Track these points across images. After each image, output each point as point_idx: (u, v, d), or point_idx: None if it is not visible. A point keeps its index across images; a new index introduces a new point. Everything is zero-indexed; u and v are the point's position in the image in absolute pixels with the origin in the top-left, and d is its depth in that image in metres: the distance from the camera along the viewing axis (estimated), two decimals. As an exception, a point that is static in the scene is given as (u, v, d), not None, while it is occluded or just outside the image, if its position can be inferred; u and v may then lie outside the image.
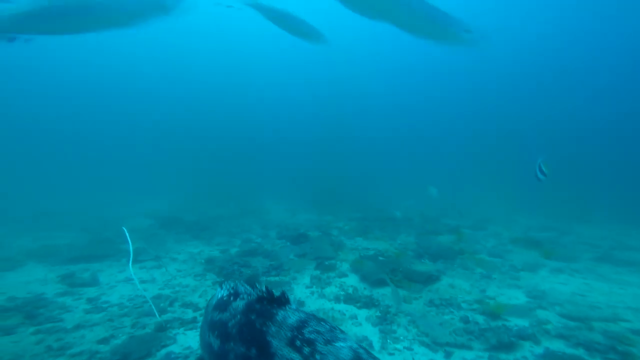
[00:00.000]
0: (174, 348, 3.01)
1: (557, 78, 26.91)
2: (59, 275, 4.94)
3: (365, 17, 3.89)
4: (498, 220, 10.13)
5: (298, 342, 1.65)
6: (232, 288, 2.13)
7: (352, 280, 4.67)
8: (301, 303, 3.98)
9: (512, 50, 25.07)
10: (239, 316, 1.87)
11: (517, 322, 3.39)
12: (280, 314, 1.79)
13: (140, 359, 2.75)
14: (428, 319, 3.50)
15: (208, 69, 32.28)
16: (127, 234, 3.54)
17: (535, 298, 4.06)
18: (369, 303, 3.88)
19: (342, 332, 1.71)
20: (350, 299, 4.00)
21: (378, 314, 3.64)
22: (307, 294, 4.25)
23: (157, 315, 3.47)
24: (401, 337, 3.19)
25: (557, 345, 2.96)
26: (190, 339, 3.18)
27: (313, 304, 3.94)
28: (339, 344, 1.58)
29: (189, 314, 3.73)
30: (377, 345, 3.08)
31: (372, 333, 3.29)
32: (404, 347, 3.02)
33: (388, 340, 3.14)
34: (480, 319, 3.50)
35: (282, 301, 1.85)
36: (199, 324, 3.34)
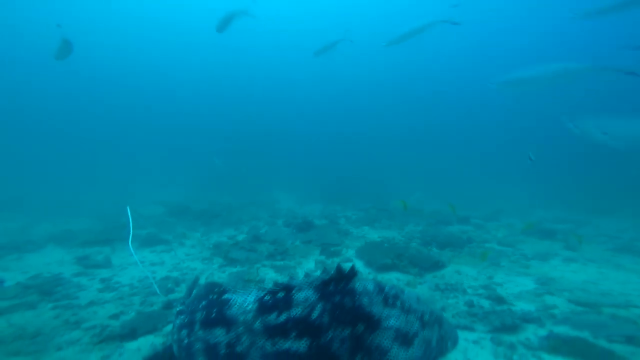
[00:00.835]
0: (180, 324, 3.11)
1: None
2: (75, 257, 5.16)
3: None
4: (513, 213, 9.88)
5: (390, 300, 1.83)
6: (277, 285, 1.82)
7: (357, 265, 4.67)
8: (305, 286, 4.02)
9: (520, 42, 24.11)
10: (319, 305, 1.72)
11: (522, 307, 3.32)
12: (359, 286, 1.82)
13: (147, 333, 2.86)
14: (429, 301, 3.47)
15: (223, 63, 32.53)
16: (129, 213, 3.64)
17: (544, 284, 3.95)
18: (372, 286, 3.88)
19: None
20: (353, 282, 4.01)
21: (381, 296, 3.63)
22: (311, 278, 4.28)
23: (158, 291, 3.58)
24: (403, 319, 3.18)
25: (562, 329, 2.88)
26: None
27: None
28: (407, 290, 2.00)
29: (196, 294, 3.84)
30: (378, 325, 3.08)
31: (374, 314, 3.29)
32: (406, 328, 3.01)
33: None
34: (485, 303, 3.44)
35: (352, 274, 1.83)
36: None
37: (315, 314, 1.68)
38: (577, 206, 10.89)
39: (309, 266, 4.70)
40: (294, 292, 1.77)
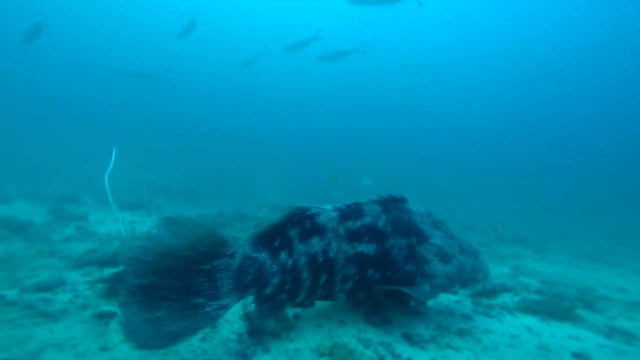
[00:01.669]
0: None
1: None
2: (48, 209, 4.87)
3: None
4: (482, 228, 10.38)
5: (437, 224, 2.26)
6: (345, 205, 2.04)
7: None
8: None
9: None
10: (383, 216, 2.07)
11: (501, 281, 3.52)
12: (413, 207, 2.23)
13: (131, 263, 2.76)
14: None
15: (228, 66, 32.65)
16: (113, 155, 3.55)
17: (519, 270, 4.20)
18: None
19: None
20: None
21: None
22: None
23: (123, 232, 3.46)
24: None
25: (534, 297, 3.09)
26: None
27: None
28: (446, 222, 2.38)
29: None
30: (365, 282, 3.15)
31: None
32: (391, 286, 3.10)
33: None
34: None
35: (404, 199, 2.22)
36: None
37: (380, 223, 2.05)
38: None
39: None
40: (363, 204, 2.10)
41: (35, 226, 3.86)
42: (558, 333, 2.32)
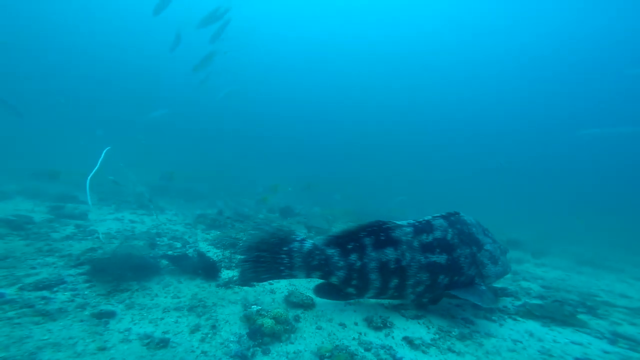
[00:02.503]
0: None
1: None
2: (48, 207, 4.85)
3: None
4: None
5: (486, 232, 2.70)
6: (417, 221, 2.42)
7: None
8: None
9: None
10: (450, 230, 2.43)
11: (501, 286, 3.49)
12: (468, 219, 2.61)
13: (131, 262, 2.74)
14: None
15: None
16: (103, 154, 3.54)
17: (519, 275, 4.18)
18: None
19: None
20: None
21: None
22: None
23: (101, 238, 3.42)
24: (389, 283, 3.24)
25: (536, 302, 3.06)
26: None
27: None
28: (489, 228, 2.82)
29: (177, 245, 3.72)
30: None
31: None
32: (392, 289, 3.08)
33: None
34: (466, 280, 3.59)
35: (458, 212, 2.60)
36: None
37: (449, 236, 2.40)
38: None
39: (296, 240, 4.69)
40: (431, 220, 2.44)
41: (35, 224, 3.84)
42: (560, 338, 2.30)
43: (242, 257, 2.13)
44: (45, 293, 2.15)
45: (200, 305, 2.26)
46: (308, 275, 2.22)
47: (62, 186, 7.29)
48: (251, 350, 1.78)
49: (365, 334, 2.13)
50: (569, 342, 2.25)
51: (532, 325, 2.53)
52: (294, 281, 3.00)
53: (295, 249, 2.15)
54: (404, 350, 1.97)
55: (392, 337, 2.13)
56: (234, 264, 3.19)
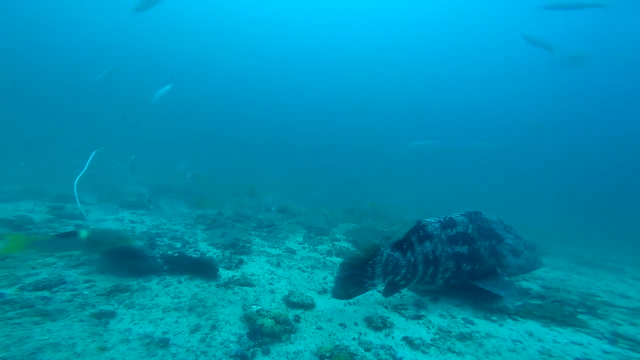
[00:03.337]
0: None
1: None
2: (48, 207, 4.86)
3: None
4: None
5: (508, 228, 3.04)
6: (439, 217, 2.82)
7: (345, 244, 4.72)
8: (293, 251, 4.01)
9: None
10: (470, 225, 2.84)
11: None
12: (489, 217, 3.01)
13: (131, 263, 2.73)
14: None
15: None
16: (91, 156, 3.53)
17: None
18: (359, 258, 3.93)
19: None
20: (342, 253, 4.04)
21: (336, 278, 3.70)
22: (299, 248, 4.27)
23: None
24: (389, 283, 3.25)
25: (536, 302, 3.06)
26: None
27: (305, 255, 3.97)
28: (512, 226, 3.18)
29: (177, 244, 3.72)
30: (365, 285, 3.13)
31: (361, 278, 3.34)
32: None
33: (376, 283, 3.19)
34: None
35: (480, 212, 3.02)
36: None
37: (469, 230, 2.81)
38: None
39: (296, 239, 4.68)
40: (454, 217, 2.85)
41: (35, 224, 3.85)
42: (560, 338, 2.30)
43: (337, 275, 2.35)
44: (45, 293, 2.15)
45: (200, 305, 2.26)
46: (383, 281, 2.48)
47: (62, 186, 7.30)
48: (251, 350, 1.78)
49: (365, 334, 2.13)
50: (569, 342, 2.25)
51: (532, 325, 2.53)
52: (294, 281, 3.00)
53: (377, 261, 2.39)
54: (404, 351, 1.97)
55: (392, 337, 2.13)
56: (233, 264, 3.19)
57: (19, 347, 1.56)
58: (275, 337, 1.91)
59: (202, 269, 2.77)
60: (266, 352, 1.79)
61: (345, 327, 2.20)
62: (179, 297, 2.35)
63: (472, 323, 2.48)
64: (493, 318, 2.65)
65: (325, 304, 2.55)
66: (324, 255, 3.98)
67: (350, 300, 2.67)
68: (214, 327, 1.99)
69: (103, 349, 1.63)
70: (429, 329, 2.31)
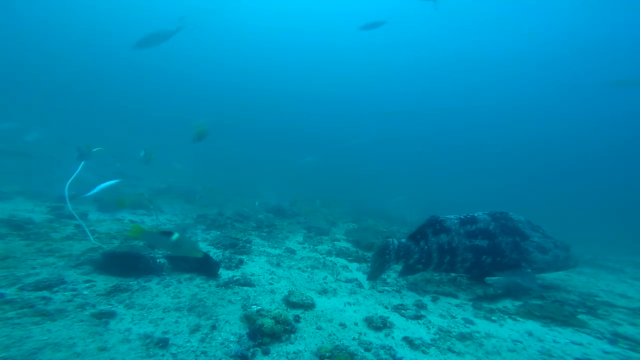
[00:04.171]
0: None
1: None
2: (48, 207, 4.86)
3: None
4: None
5: (535, 228, 3.27)
6: (463, 215, 3.23)
7: (345, 244, 4.72)
8: (293, 251, 4.01)
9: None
10: (492, 223, 3.18)
11: (501, 285, 3.49)
12: (514, 216, 3.27)
13: (131, 263, 2.73)
14: (417, 275, 3.56)
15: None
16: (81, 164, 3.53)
17: (519, 275, 4.16)
18: (360, 258, 3.93)
19: None
20: (342, 253, 4.04)
21: (369, 265, 3.70)
22: (299, 248, 4.27)
23: (92, 239, 3.38)
24: (391, 283, 3.24)
25: (536, 302, 3.05)
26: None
27: (305, 255, 3.97)
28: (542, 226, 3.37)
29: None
30: (366, 285, 3.13)
31: (362, 278, 3.34)
32: (393, 290, 3.08)
33: (378, 282, 3.19)
34: (466, 282, 3.58)
35: (507, 212, 3.29)
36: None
37: (491, 227, 3.16)
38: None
39: (296, 239, 4.68)
40: (476, 215, 3.23)
41: (35, 224, 3.84)
42: (560, 338, 2.29)
43: (370, 264, 3.10)
44: (45, 293, 2.15)
45: (200, 305, 2.26)
46: (397, 262, 3.12)
47: (62, 186, 7.29)
48: (251, 350, 1.77)
49: (365, 334, 2.13)
50: (569, 342, 2.25)
51: (532, 325, 2.52)
52: (294, 281, 3.00)
53: (391, 248, 3.07)
54: (404, 351, 1.97)
55: (392, 337, 2.12)
56: (233, 264, 3.19)
57: (19, 347, 1.56)
58: (275, 337, 1.91)
59: (206, 266, 2.77)
60: (266, 352, 1.79)
61: (345, 327, 2.20)
62: (179, 297, 2.35)
63: (472, 323, 2.48)
64: (493, 318, 2.65)
65: (325, 304, 2.55)
66: (324, 255, 3.98)
67: (350, 300, 2.68)
68: (214, 327, 1.98)
69: (103, 349, 1.63)
70: (429, 329, 2.31)
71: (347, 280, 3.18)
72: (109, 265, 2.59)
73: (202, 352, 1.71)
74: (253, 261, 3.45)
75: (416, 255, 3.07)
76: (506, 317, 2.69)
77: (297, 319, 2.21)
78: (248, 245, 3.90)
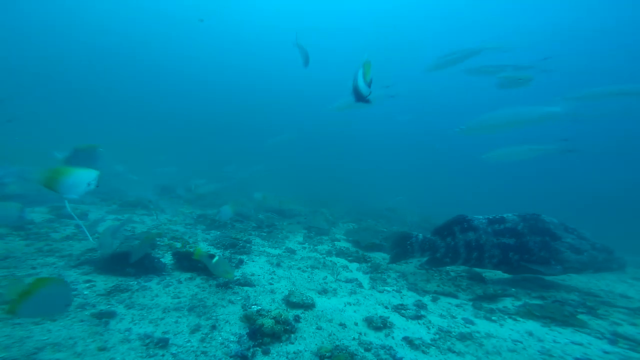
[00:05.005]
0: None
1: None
2: (48, 207, 4.85)
3: None
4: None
5: (570, 230, 3.38)
6: (492, 215, 3.46)
7: (344, 244, 4.72)
8: (293, 251, 4.01)
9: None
10: (521, 223, 3.34)
11: (501, 286, 3.48)
12: (546, 218, 3.39)
13: (131, 262, 2.73)
14: (417, 275, 3.56)
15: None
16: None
17: (520, 275, 4.16)
18: (360, 258, 3.93)
19: None
20: (342, 253, 4.04)
21: (369, 265, 3.69)
22: (299, 248, 4.27)
23: (90, 238, 3.38)
24: (391, 283, 3.24)
25: (536, 302, 3.05)
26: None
27: (305, 255, 3.97)
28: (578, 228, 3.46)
29: (177, 245, 3.71)
30: (367, 285, 3.13)
31: (362, 278, 3.33)
32: (393, 290, 3.08)
33: (378, 282, 3.19)
34: (466, 282, 3.57)
35: (539, 214, 3.41)
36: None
37: (519, 227, 3.32)
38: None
39: (296, 239, 4.68)
40: (505, 216, 3.42)
41: (35, 224, 3.84)
42: (561, 338, 2.29)
43: (391, 252, 3.55)
44: (45, 293, 2.15)
45: (200, 305, 2.26)
46: (421, 256, 3.50)
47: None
48: (251, 350, 1.77)
49: (365, 334, 2.13)
50: (569, 342, 2.25)
51: (532, 325, 2.52)
52: (294, 281, 3.00)
53: (414, 241, 3.48)
54: (404, 351, 1.97)
55: (392, 337, 2.12)
56: (234, 264, 3.19)
57: (19, 347, 1.56)
58: (275, 337, 1.91)
59: (204, 269, 2.77)
60: (266, 352, 1.79)
61: (345, 327, 2.20)
62: (179, 297, 2.35)
63: (472, 323, 2.48)
64: (493, 318, 2.65)
65: (325, 304, 2.55)
66: (324, 255, 3.98)
67: (350, 300, 2.68)
68: (214, 327, 1.99)
69: (103, 349, 1.63)
70: (429, 329, 2.31)
71: (347, 280, 3.17)
72: (109, 265, 2.59)
73: (202, 352, 1.72)
74: (253, 261, 3.45)
75: (442, 249, 3.37)
76: (506, 317, 2.69)
77: (297, 319, 2.21)
78: (248, 245, 3.90)
